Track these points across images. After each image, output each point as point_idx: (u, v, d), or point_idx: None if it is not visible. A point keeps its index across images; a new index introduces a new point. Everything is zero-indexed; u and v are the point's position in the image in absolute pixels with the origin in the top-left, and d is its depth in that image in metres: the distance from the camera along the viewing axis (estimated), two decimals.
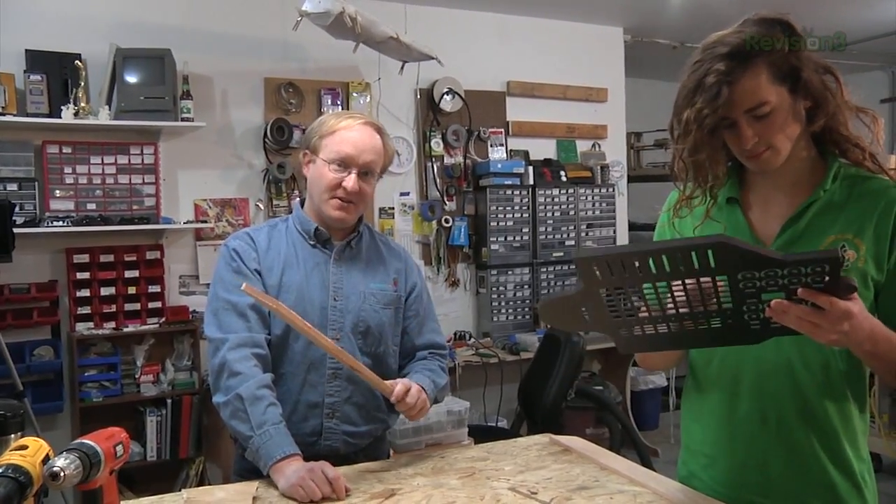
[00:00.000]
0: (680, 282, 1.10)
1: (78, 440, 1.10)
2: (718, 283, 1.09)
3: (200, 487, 1.64)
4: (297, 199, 1.87)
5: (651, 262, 1.07)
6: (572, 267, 4.92)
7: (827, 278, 1.03)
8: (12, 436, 1.23)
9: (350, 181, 1.73)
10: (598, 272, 1.09)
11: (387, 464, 1.70)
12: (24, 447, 1.06)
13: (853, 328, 1.08)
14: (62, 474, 1.01)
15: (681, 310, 1.14)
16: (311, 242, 1.80)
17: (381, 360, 1.81)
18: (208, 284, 3.99)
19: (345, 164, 1.74)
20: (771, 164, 1.30)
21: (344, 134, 1.75)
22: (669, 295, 1.13)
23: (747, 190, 1.41)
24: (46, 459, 1.06)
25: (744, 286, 1.08)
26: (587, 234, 5.04)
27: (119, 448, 1.12)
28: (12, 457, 1.03)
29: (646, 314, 1.16)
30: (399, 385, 1.66)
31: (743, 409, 1.38)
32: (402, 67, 4.29)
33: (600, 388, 4.49)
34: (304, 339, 1.72)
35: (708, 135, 1.27)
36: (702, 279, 1.09)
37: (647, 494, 1.41)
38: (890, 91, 6.79)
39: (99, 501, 1.09)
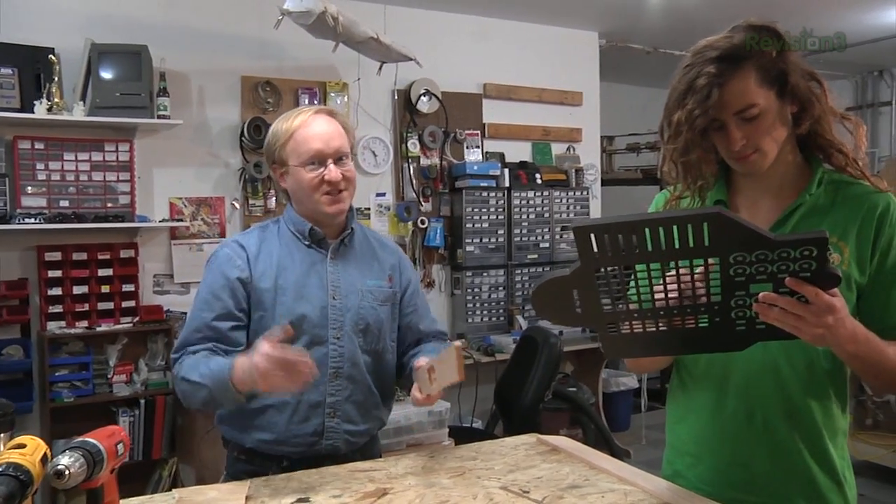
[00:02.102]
0: (673, 265, 1.12)
1: (80, 438, 1.09)
2: (710, 268, 1.11)
3: (192, 487, 1.63)
4: (288, 202, 1.86)
5: (648, 232, 1.08)
6: (547, 269, 4.96)
7: (814, 264, 1.06)
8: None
9: (331, 172, 1.71)
10: (594, 244, 1.10)
11: (377, 463, 1.70)
12: (22, 445, 1.04)
13: (836, 323, 1.12)
14: (67, 472, 1.00)
15: (671, 301, 1.16)
16: (306, 243, 1.79)
17: (381, 357, 1.82)
18: (183, 284, 4.01)
19: (318, 159, 1.72)
20: (758, 166, 1.33)
21: (303, 132, 1.72)
22: (661, 282, 1.15)
23: (734, 193, 1.44)
24: (45, 458, 1.05)
25: (734, 272, 1.10)
26: (561, 237, 5.07)
27: (120, 446, 1.12)
28: (12, 455, 1.01)
29: (636, 306, 1.18)
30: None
31: (730, 408, 1.41)
32: (380, 68, 4.28)
33: (574, 389, 4.53)
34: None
35: (699, 136, 1.30)
36: (694, 264, 1.11)
37: (637, 492, 1.43)
38: (854, 100, 6.95)
39: (100, 500, 1.08)
